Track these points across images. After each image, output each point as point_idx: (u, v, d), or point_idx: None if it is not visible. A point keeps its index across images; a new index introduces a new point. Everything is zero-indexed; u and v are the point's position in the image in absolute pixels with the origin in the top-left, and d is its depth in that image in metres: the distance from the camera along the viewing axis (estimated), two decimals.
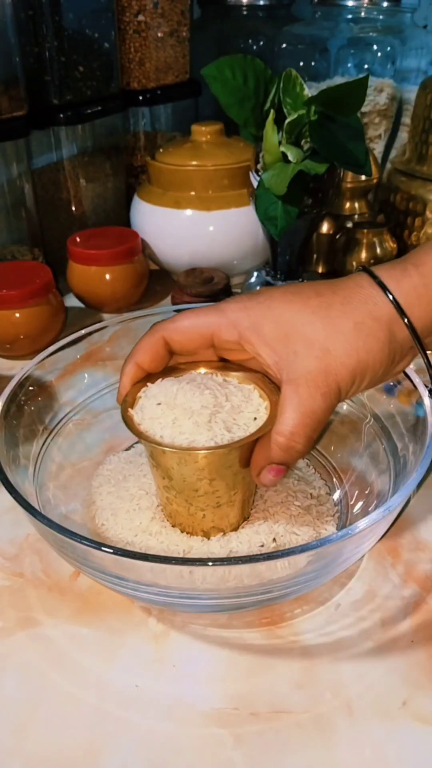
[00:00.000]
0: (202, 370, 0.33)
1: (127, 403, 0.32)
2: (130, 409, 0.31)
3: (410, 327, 0.29)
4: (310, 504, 0.37)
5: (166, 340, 0.31)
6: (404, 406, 0.37)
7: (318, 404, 0.28)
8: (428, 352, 0.30)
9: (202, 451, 0.29)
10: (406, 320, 0.28)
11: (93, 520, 0.37)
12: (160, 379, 0.32)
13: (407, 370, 0.36)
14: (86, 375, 0.44)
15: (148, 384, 0.32)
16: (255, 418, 0.31)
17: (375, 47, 0.70)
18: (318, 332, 0.28)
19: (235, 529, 0.34)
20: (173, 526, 0.34)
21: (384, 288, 0.29)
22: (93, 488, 0.39)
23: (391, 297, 0.28)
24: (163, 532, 0.35)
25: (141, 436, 0.30)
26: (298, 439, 0.28)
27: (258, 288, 0.61)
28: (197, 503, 0.32)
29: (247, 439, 0.29)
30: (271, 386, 0.31)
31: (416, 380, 0.35)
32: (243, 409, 0.31)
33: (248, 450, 0.30)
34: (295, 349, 0.29)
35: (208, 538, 0.34)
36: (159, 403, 0.31)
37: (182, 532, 0.34)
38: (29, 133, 0.59)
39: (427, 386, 0.34)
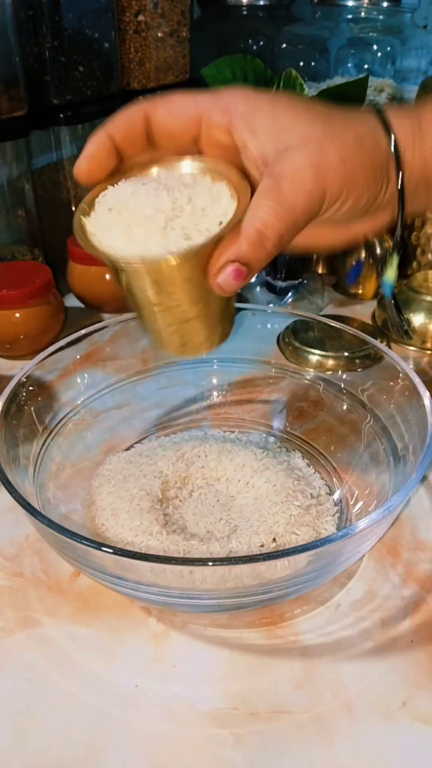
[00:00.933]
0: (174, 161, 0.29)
1: (82, 210, 0.28)
2: (83, 217, 0.27)
3: (398, 167, 0.26)
4: (310, 504, 0.37)
5: (148, 114, 0.27)
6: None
7: (300, 201, 0.25)
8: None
9: (143, 262, 0.25)
10: (393, 144, 0.26)
11: (93, 520, 0.37)
12: (122, 181, 0.28)
13: (408, 369, 0.36)
14: (86, 375, 0.44)
15: (108, 187, 0.28)
16: (221, 222, 0.26)
17: (375, 47, 0.70)
18: (317, 132, 0.26)
19: (216, 343, 0.30)
20: (162, 347, 0.31)
21: (387, 127, 0.26)
22: (93, 488, 0.39)
23: (392, 139, 0.26)
24: (163, 532, 0.35)
25: (92, 250, 0.26)
26: (271, 232, 0.25)
27: (258, 288, 0.61)
28: (163, 319, 0.29)
29: (200, 248, 0.25)
30: (247, 184, 0.27)
31: (416, 380, 0.35)
32: (208, 212, 0.26)
33: (210, 257, 0.26)
34: (288, 143, 0.26)
35: (199, 353, 0.30)
36: (110, 209, 0.27)
37: (171, 350, 0.30)
38: (29, 133, 0.59)
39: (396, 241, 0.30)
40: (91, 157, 0.27)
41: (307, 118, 0.26)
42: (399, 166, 0.27)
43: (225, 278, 0.25)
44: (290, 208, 0.25)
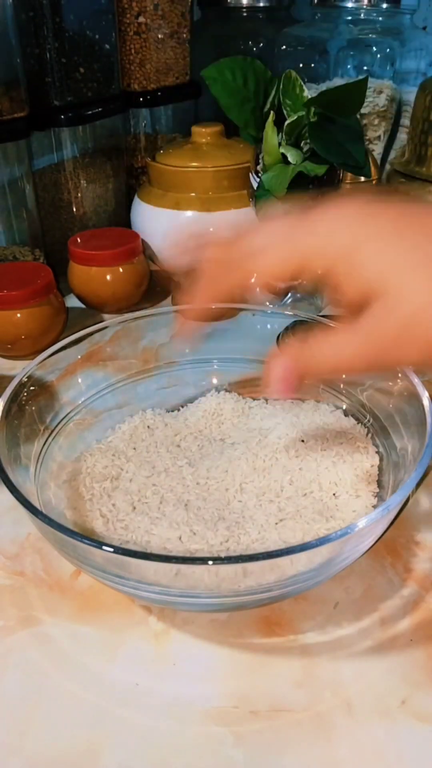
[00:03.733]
0: None
1: None
2: None
3: None
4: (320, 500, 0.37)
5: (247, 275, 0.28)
6: (403, 405, 0.37)
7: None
8: None
9: None
10: None
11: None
12: None
13: (407, 369, 0.36)
14: (87, 375, 0.44)
15: None
16: None
17: (374, 49, 0.70)
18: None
19: None
20: None
21: None
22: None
23: None
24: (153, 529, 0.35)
25: None
26: (327, 356, 0.26)
27: (258, 289, 0.61)
28: None
29: None
30: None
31: (415, 380, 0.35)
32: None
33: None
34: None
35: None
36: None
37: None
38: (30, 135, 0.60)
39: None
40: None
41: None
42: None
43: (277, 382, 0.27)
44: (354, 354, 0.25)
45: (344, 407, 0.43)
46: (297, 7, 0.85)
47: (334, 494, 0.37)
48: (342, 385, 0.44)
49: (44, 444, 0.39)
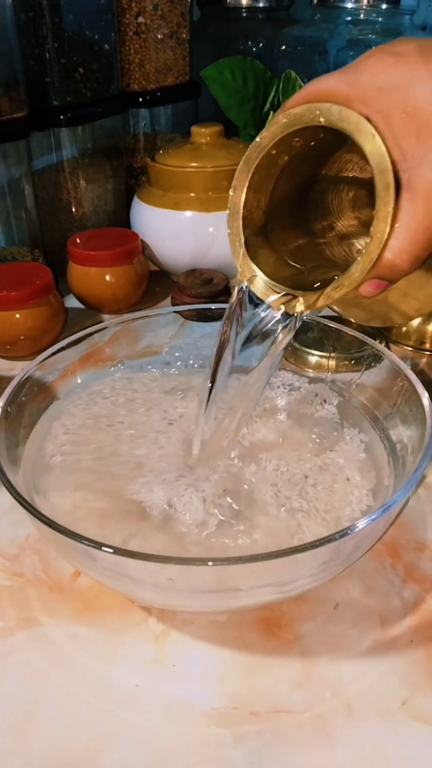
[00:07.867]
0: None
1: None
2: None
3: None
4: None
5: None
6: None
7: None
8: None
9: None
10: None
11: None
12: None
13: (407, 370, 0.36)
14: (87, 375, 0.44)
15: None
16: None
17: None
18: None
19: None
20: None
21: None
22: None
23: None
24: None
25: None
26: (405, 257, 0.26)
27: None
28: None
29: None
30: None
31: (415, 380, 0.35)
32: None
33: None
34: (425, 151, 0.24)
35: None
36: None
37: None
38: (29, 135, 0.60)
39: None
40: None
41: None
42: None
43: (366, 288, 0.28)
44: (424, 229, 0.25)
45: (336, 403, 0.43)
46: (297, 7, 0.85)
47: (333, 493, 0.37)
48: (341, 386, 0.43)
49: None
